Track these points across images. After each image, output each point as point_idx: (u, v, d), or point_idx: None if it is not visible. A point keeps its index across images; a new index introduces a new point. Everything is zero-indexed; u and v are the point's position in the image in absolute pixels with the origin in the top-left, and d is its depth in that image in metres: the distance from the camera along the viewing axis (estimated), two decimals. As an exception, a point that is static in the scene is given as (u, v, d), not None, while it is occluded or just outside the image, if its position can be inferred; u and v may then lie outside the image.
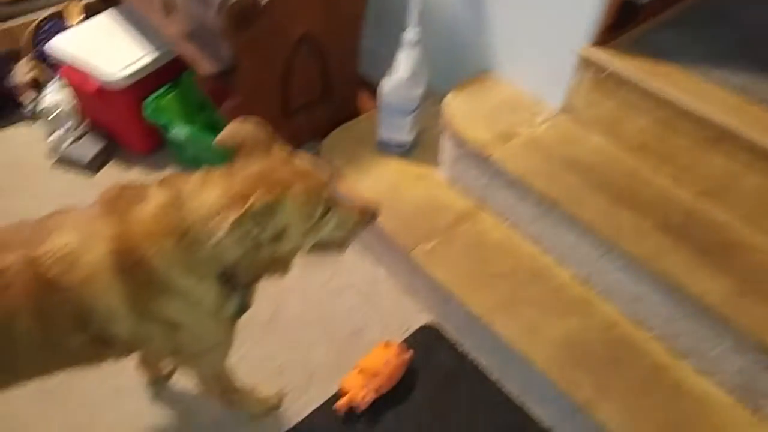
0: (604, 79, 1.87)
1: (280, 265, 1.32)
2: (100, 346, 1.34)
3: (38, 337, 1.25)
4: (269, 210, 1.17)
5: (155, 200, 1.24)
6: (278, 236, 1.22)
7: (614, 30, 1.89)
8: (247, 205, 1.12)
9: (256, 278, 1.35)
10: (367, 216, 1.35)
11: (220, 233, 1.12)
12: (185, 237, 1.21)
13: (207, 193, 1.21)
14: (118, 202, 1.26)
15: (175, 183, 1.26)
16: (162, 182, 1.28)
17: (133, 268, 1.22)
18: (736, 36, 1.95)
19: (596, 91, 1.92)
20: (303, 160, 1.28)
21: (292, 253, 1.31)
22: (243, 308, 1.39)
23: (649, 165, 1.88)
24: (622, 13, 1.87)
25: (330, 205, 1.27)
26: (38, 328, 1.23)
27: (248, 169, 1.23)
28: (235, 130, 1.28)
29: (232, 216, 1.12)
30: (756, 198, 1.68)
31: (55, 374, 1.46)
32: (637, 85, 1.79)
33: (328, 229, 1.30)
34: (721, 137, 1.67)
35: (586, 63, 1.89)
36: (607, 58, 1.85)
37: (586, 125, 2.00)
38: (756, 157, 1.63)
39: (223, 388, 1.66)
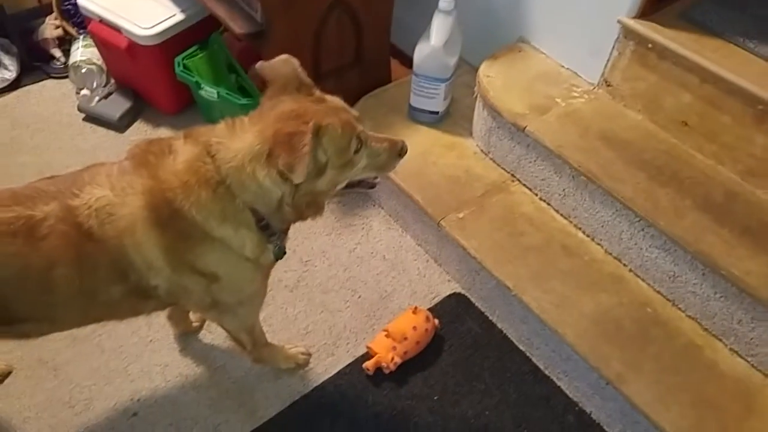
0: (646, 53, 1.83)
1: (315, 205, 1.32)
2: (138, 299, 1.35)
3: (77, 287, 1.25)
4: (317, 141, 1.18)
5: (185, 153, 1.24)
6: (318, 172, 1.23)
7: (657, 2, 1.85)
8: (311, 132, 1.13)
9: (292, 222, 1.35)
10: (397, 150, 1.36)
11: (299, 165, 1.12)
12: (221, 186, 1.21)
13: (239, 140, 1.21)
14: (148, 156, 1.26)
15: (202, 134, 1.26)
16: (187, 135, 1.28)
17: (169, 221, 1.23)
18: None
19: (637, 64, 1.88)
20: (334, 99, 1.29)
21: (328, 192, 1.31)
22: (280, 254, 1.39)
23: (689, 142, 1.84)
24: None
25: (362, 141, 1.28)
26: (77, 277, 1.24)
27: (279, 108, 1.23)
28: (279, 62, 1.28)
29: (288, 156, 1.12)
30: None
31: (92, 324, 1.47)
32: (683, 59, 1.75)
33: (362, 165, 1.31)
34: (766, 115, 1.64)
35: (628, 34, 1.85)
36: (651, 30, 1.80)
37: (625, 100, 1.97)
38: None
39: (254, 342, 1.67)
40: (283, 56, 1.30)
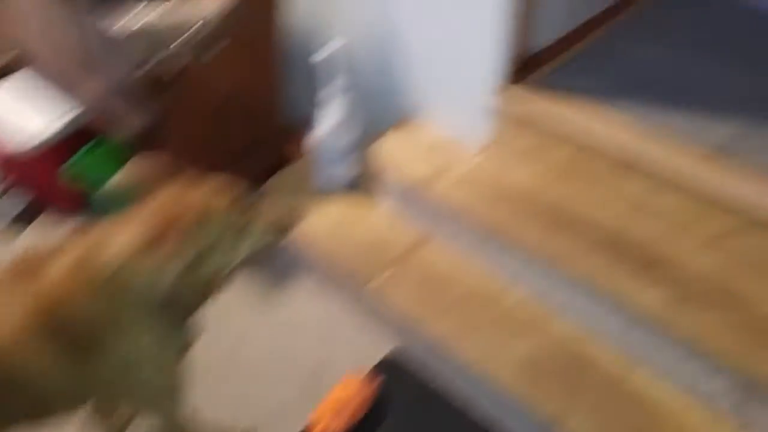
0: (522, 115, 2.04)
1: (212, 283, 1.34)
2: (44, 406, 1.29)
3: None
4: (197, 229, 1.23)
5: (69, 256, 1.24)
6: (204, 256, 1.26)
7: (525, 70, 2.07)
8: (189, 223, 1.20)
9: (193, 306, 1.36)
10: (284, 224, 1.43)
11: (172, 264, 1.18)
12: (109, 284, 1.22)
13: (123, 235, 1.23)
14: (32, 263, 1.25)
15: (87, 234, 1.28)
16: (72, 236, 1.29)
17: (59, 328, 1.21)
18: (629, 71, 2.19)
19: (515, 126, 2.08)
20: (212, 181, 1.34)
21: (223, 271, 1.34)
22: (187, 343, 1.39)
23: (575, 189, 2.01)
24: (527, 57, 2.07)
25: (248, 218, 1.34)
26: None
27: (160, 197, 1.27)
28: (132, 170, 1.33)
29: (172, 242, 1.18)
30: (672, 214, 1.85)
31: None
32: (554, 120, 1.97)
33: (251, 241, 1.36)
34: (634, 161, 1.85)
35: (501, 102, 2.05)
36: (519, 97, 2.02)
37: (513, 156, 2.13)
38: (666, 177, 1.81)
39: None
40: (130, 165, 1.35)
